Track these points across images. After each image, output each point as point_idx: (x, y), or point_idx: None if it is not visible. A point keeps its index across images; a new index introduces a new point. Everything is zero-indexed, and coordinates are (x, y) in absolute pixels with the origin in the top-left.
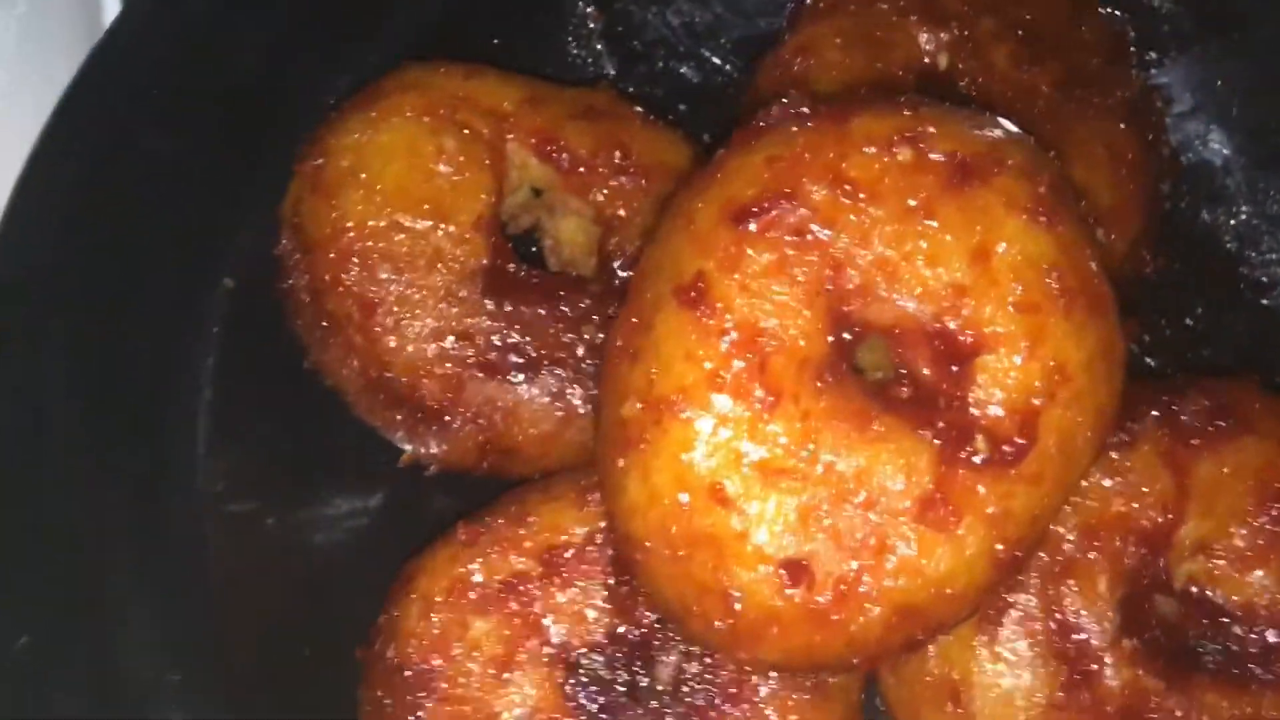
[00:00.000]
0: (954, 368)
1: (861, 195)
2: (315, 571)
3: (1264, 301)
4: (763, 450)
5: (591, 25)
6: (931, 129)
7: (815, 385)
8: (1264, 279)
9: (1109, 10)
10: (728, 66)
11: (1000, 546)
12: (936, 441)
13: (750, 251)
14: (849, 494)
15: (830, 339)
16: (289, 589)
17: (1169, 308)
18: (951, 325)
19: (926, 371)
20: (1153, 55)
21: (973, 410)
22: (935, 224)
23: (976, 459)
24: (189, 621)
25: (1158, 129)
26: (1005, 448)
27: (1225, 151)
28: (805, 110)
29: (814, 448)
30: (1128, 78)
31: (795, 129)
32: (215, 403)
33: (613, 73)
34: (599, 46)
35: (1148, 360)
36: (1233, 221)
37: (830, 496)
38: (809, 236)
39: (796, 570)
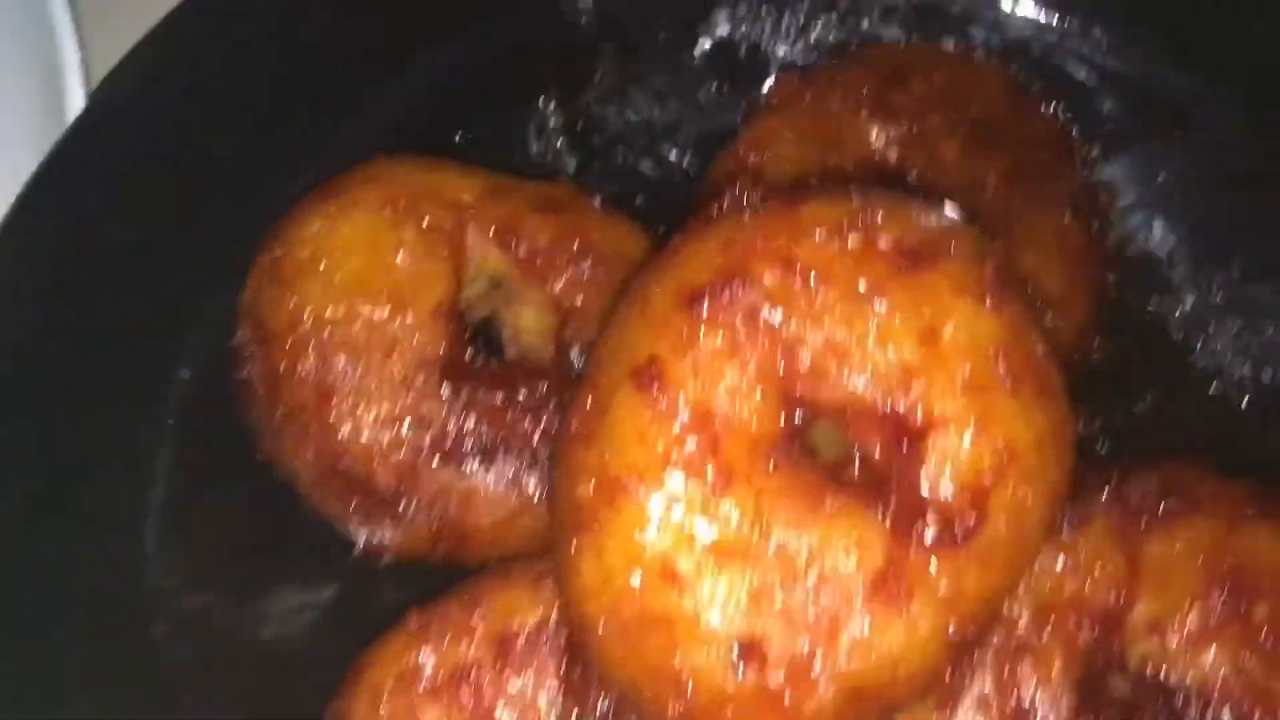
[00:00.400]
0: (905, 448)
1: (812, 279)
2: (266, 667)
3: (1211, 390)
4: (715, 530)
5: (553, 122)
6: (879, 215)
7: (767, 466)
8: (1211, 368)
9: (1053, 109)
10: (685, 161)
11: (952, 626)
12: (888, 521)
13: (703, 334)
14: (801, 574)
15: (782, 420)
16: (239, 685)
17: (1119, 396)
18: (902, 406)
19: (878, 452)
20: (1097, 152)
21: (924, 490)
22: (884, 307)
23: (928, 538)
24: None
25: (1103, 220)
26: (956, 527)
27: (1169, 244)
28: (758, 198)
29: (766, 528)
30: (1073, 171)
31: (748, 215)
32: (168, 497)
33: (573, 167)
34: (560, 143)
35: (1098, 447)
36: (1178, 312)
37: (782, 577)
38: (761, 320)
39: (748, 651)
